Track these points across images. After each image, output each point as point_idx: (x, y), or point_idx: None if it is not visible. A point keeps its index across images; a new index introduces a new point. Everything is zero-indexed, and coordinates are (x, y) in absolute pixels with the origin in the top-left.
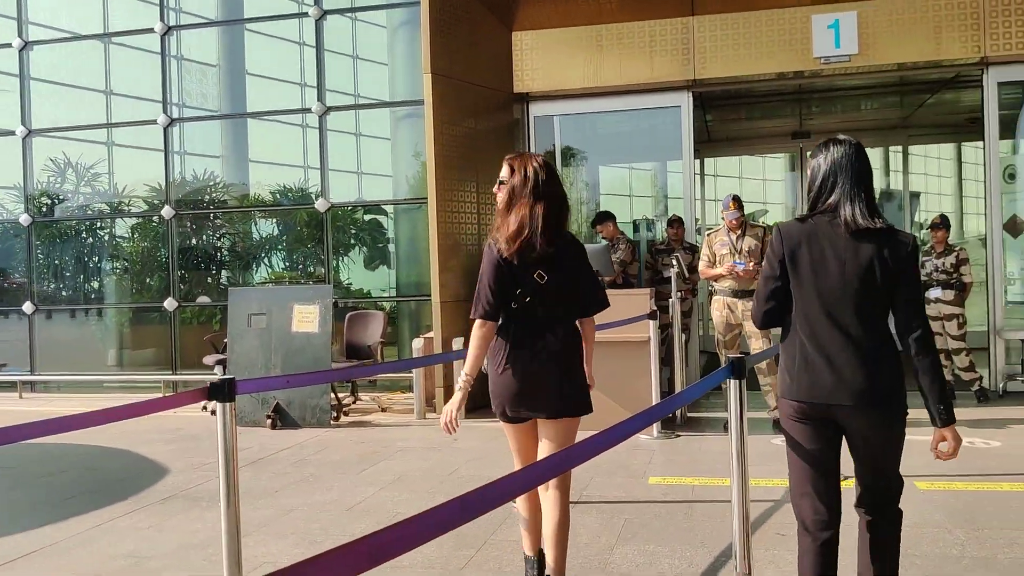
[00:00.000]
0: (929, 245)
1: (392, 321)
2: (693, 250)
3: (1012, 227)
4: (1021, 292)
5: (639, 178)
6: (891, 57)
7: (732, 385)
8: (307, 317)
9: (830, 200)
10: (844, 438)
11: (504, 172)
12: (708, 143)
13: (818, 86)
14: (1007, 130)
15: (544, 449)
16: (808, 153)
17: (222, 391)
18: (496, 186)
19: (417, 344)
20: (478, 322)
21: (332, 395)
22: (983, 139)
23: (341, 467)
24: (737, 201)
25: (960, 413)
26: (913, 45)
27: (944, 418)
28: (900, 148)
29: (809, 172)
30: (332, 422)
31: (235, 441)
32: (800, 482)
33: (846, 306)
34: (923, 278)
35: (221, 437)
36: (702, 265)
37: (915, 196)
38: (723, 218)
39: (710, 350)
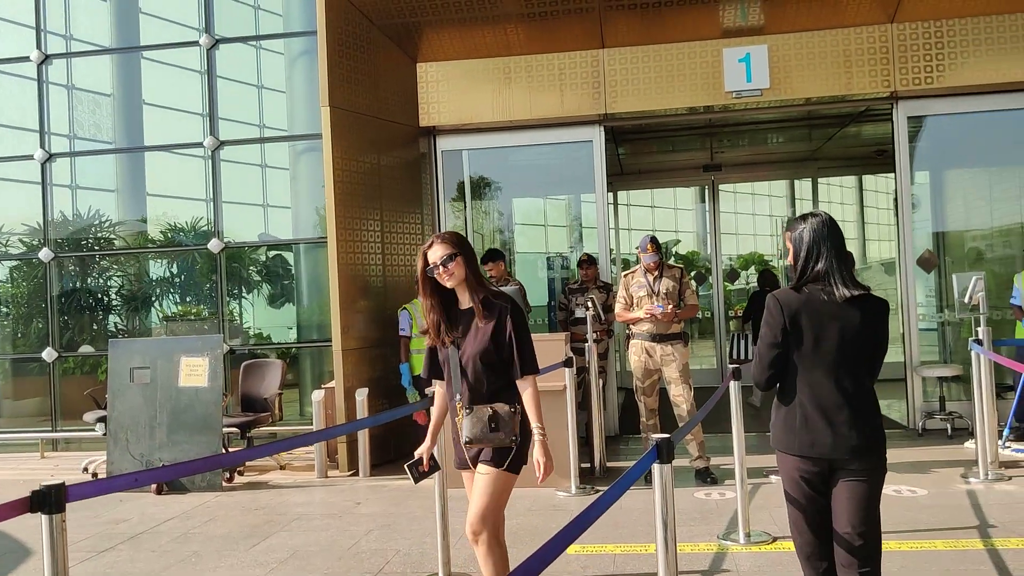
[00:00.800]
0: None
1: (294, 366)
2: (607, 289)
3: (925, 263)
4: (926, 319)
5: (554, 208)
6: (802, 91)
7: (657, 472)
8: (195, 370)
9: (818, 268)
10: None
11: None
12: (621, 176)
13: (730, 120)
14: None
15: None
16: (783, 227)
17: (47, 502)
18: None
19: (317, 396)
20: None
21: (224, 452)
22: (894, 172)
23: (229, 543)
24: (655, 243)
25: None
26: (824, 80)
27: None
28: (809, 179)
29: (791, 244)
30: (225, 483)
31: (65, 564)
32: (797, 520)
33: (845, 368)
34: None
35: (48, 561)
36: (618, 308)
37: None
38: (640, 256)
39: (628, 386)
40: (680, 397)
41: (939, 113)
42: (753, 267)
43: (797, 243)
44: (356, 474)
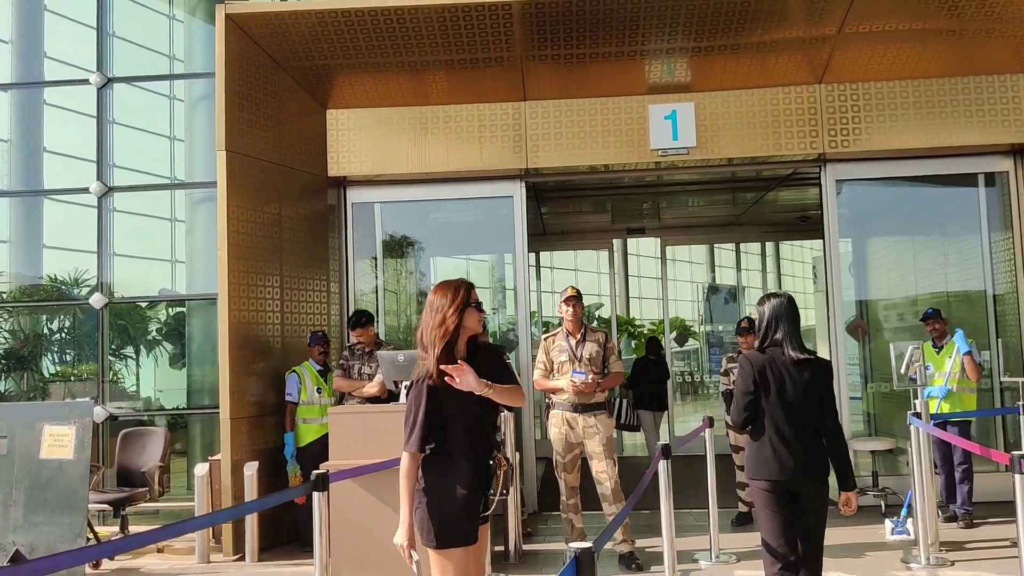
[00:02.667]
0: (736, 351)
1: (185, 433)
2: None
3: (855, 330)
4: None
5: (477, 269)
6: (730, 151)
7: None
8: (60, 440)
9: (776, 336)
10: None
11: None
12: (543, 236)
13: (655, 180)
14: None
15: None
16: (704, 293)
17: None
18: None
19: (200, 470)
20: None
21: (90, 536)
22: (822, 237)
23: None
24: (575, 289)
25: None
26: (752, 139)
27: (850, 484)
28: (732, 245)
29: (758, 316)
30: (91, 569)
31: None
32: (773, 539)
33: (799, 411)
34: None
35: None
36: (537, 375)
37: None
38: (560, 309)
39: (547, 456)
40: (604, 474)
41: (867, 177)
42: (676, 332)
43: (762, 315)
44: (242, 558)
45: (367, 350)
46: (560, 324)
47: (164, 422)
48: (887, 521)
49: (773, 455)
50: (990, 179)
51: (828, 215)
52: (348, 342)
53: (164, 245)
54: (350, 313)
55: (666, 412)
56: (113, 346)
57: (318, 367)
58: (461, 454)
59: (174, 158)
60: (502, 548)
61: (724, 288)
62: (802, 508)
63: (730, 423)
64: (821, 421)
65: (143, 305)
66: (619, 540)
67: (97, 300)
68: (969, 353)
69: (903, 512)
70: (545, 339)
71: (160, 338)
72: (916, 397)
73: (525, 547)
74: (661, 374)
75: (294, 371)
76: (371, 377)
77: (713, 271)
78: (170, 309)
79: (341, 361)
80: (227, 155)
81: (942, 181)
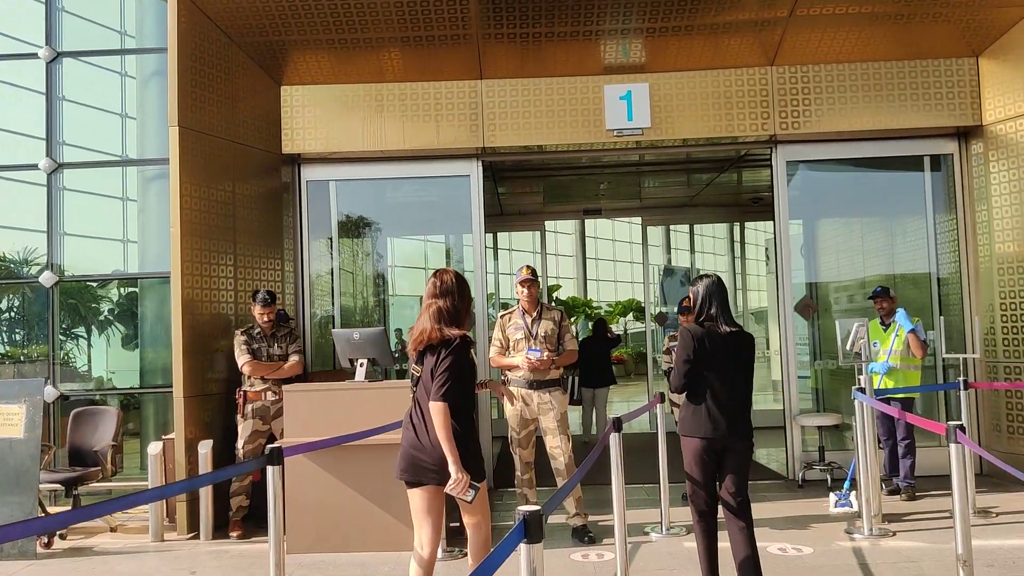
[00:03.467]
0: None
1: (138, 413)
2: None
3: (804, 309)
4: (802, 367)
5: (435, 250)
6: (683, 132)
7: (524, 554)
8: (10, 419)
9: (711, 311)
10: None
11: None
12: (501, 216)
13: (610, 160)
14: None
15: None
16: (660, 274)
17: None
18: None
19: (154, 448)
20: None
21: (41, 514)
22: (772, 218)
23: None
24: (530, 269)
25: (761, 509)
26: (705, 120)
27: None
28: (686, 226)
29: (692, 294)
30: (42, 548)
31: None
32: (701, 491)
33: (731, 377)
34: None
35: None
36: (493, 352)
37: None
38: (517, 291)
39: (502, 435)
40: (558, 449)
41: (816, 159)
42: (631, 314)
43: (695, 294)
44: (197, 537)
45: (269, 332)
46: (517, 303)
47: (116, 402)
48: (831, 494)
49: (708, 416)
50: (935, 162)
51: (778, 195)
52: (260, 323)
53: (116, 224)
54: (303, 292)
55: (608, 389)
56: (64, 326)
57: None
58: (471, 409)
59: (125, 135)
60: (457, 524)
61: (679, 270)
62: (729, 463)
63: (671, 388)
64: (748, 385)
65: (94, 285)
66: (572, 514)
67: (47, 279)
68: (913, 331)
69: (846, 485)
70: (501, 317)
71: (112, 319)
72: (861, 373)
73: None
74: (605, 354)
75: (300, 350)
76: (282, 358)
77: (669, 253)
78: (122, 289)
79: (243, 347)
80: (179, 131)
81: (890, 164)
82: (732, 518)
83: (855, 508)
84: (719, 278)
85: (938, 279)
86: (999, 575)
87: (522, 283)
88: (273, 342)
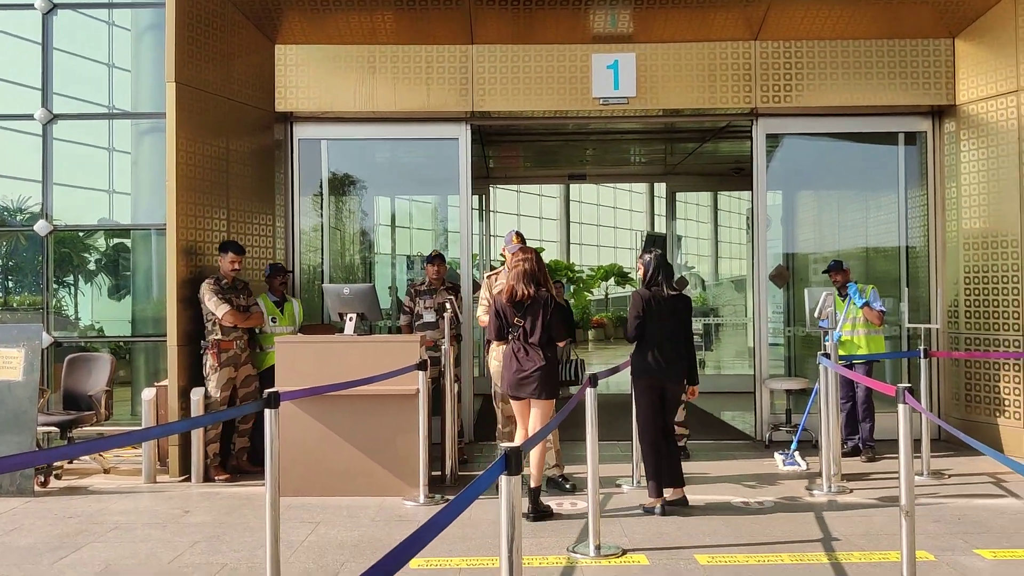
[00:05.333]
0: None
1: (129, 362)
2: (456, 291)
3: (778, 278)
4: (776, 334)
5: (421, 211)
6: (668, 102)
7: (504, 484)
8: (9, 362)
9: (657, 279)
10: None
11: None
12: (488, 179)
13: (595, 128)
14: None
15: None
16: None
17: None
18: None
19: (148, 395)
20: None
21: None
22: (752, 188)
23: (32, 555)
24: (520, 237)
25: (729, 467)
26: (689, 91)
27: (695, 380)
28: (667, 194)
29: (642, 264)
30: (38, 487)
31: None
32: (647, 419)
33: (670, 330)
34: None
35: None
36: (480, 311)
37: (678, 239)
38: (504, 256)
39: (483, 392)
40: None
41: (795, 132)
42: (614, 278)
43: (646, 264)
44: (188, 479)
45: (415, 288)
46: (503, 264)
47: (107, 350)
48: (776, 454)
49: (654, 361)
50: (910, 138)
51: (757, 167)
52: (229, 275)
53: (103, 175)
54: (289, 251)
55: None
56: (56, 275)
57: (274, 298)
58: None
59: (113, 87)
60: (439, 473)
61: (661, 236)
62: (667, 400)
63: (626, 338)
64: (684, 337)
65: (80, 235)
66: (552, 465)
67: (42, 227)
68: (866, 304)
69: (793, 445)
70: (488, 277)
71: (100, 268)
72: (827, 340)
73: (460, 472)
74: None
75: (257, 302)
76: (246, 308)
77: (652, 221)
78: (110, 239)
79: (219, 297)
80: (176, 87)
81: (866, 139)
82: (667, 451)
83: (803, 467)
84: (663, 252)
85: (907, 252)
86: (945, 530)
87: (510, 244)
88: (238, 293)
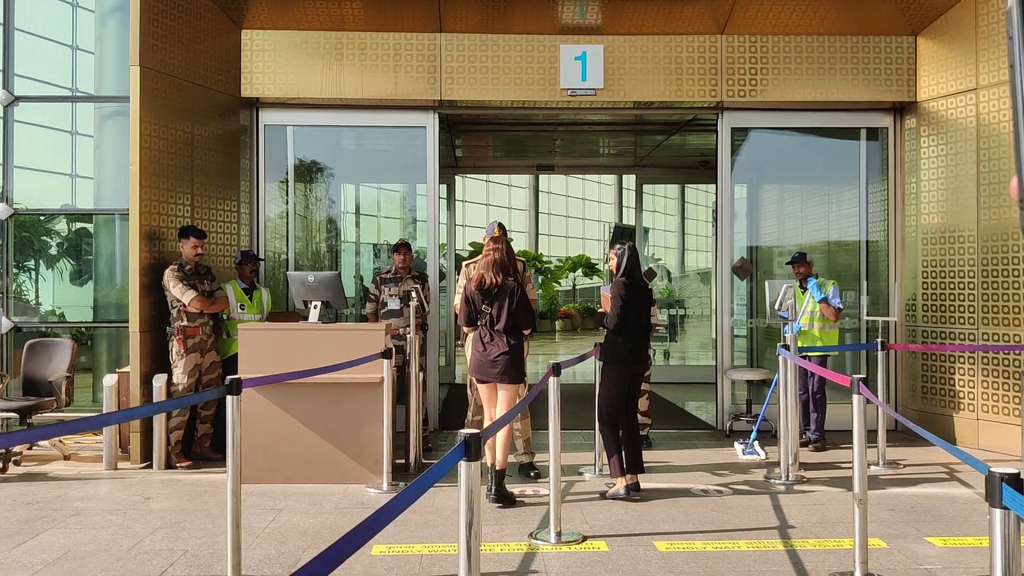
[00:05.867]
0: None
1: (90, 348)
2: (423, 280)
3: (739, 270)
4: (739, 325)
5: (388, 199)
6: (634, 94)
7: (463, 470)
8: None
9: (632, 271)
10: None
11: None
12: (456, 168)
13: (564, 119)
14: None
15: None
16: (609, 246)
17: None
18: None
19: (109, 381)
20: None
21: None
22: (716, 182)
23: None
24: (502, 229)
25: (691, 456)
26: (656, 84)
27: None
28: (635, 186)
29: (615, 256)
30: None
31: None
32: (615, 403)
33: (643, 320)
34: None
35: None
36: (457, 299)
37: (646, 231)
38: (485, 243)
39: (447, 381)
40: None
41: (760, 127)
42: (581, 269)
43: (620, 256)
44: (150, 466)
45: (380, 276)
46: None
47: (69, 336)
48: (736, 444)
49: (629, 349)
50: (872, 134)
51: (722, 160)
52: (187, 260)
53: (65, 159)
54: (253, 239)
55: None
56: (16, 259)
57: (244, 285)
58: None
59: (76, 70)
60: (403, 460)
61: (629, 228)
62: (632, 386)
63: (607, 326)
64: (646, 326)
65: (42, 219)
66: (521, 452)
67: (2, 211)
68: (824, 300)
69: (752, 435)
70: (466, 265)
71: (61, 253)
72: (788, 332)
73: (424, 460)
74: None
75: (220, 287)
76: (210, 293)
77: (620, 213)
78: (72, 224)
79: (184, 283)
80: (141, 70)
81: (829, 134)
82: (630, 429)
83: (762, 456)
84: (633, 244)
85: (867, 246)
86: (898, 518)
87: (492, 236)
88: (202, 278)
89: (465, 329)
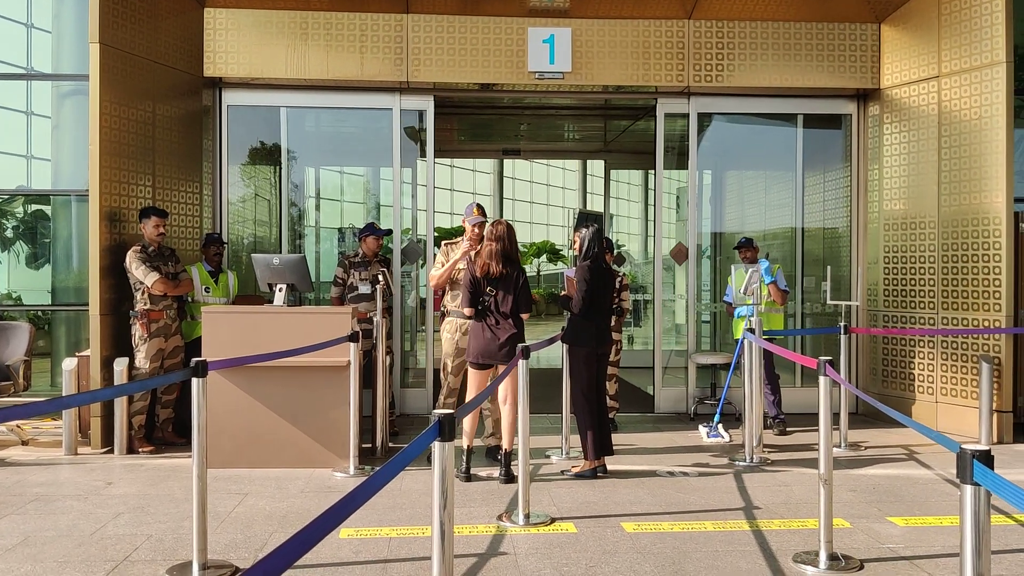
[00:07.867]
0: None
1: (48, 332)
2: (387, 264)
3: (678, 254)
4: (706, 310)
5: (352, 183)
6: (602, 78)
7: (437, 451)
8: None
9: (595, 252)
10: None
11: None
12: (423, 152)
13: (530, 103)
14: (684, 157)
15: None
16: (574, 218)
17: None
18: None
19: (69, 364)
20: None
21: None
22: (687, 167)
23: None
24: (480, 209)
25: (656, 439)
26: (623, 68)
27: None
28: (602, 172)
29: (579, 239)
30: None
31: None
32: (590, 384)
33: (606, 300)
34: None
35: None
36: (435, 271)
37: (611, 218)
38: (464, 226)
39: (416, 367)
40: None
41: (727, 112)
42: (546, 255)
43: (583, 238)
44: (111, 451)
45: (349, 260)
46: (462, 234)
47: (26, 319)
48: (700, 427)
49: (596, 331)
50: (836, 121)
51: (690, 146)
52: (149, 242)
53: (19, 140)
54: (215, 223)
55: None
56: None
57: (209, 268)
58: None
59: (31, 48)
60: (370, 445)
61: (595, 214)
62: (600, 366)
63: (573, 310)
64: (609, 308)
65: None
66: (488, 433)
67: None
68: (774, 282)
69: (715, 418)
70: (447, 244)
71: (18, 236)
72: (752, 315)
73: (391, 444)
74: None
75: (184, 269)
76: (176, 276)
77: (585, 199)
78: (27, 206)
79: (147, 265)
80: (100, 48)
81: (793, 120)
82: (606, 409)
83: (726, 439)
84: (599, 227)
85: (830, 232)
86: (861, 499)
87: (477, 225)
88: (166, 260)
89: (466, 312)
